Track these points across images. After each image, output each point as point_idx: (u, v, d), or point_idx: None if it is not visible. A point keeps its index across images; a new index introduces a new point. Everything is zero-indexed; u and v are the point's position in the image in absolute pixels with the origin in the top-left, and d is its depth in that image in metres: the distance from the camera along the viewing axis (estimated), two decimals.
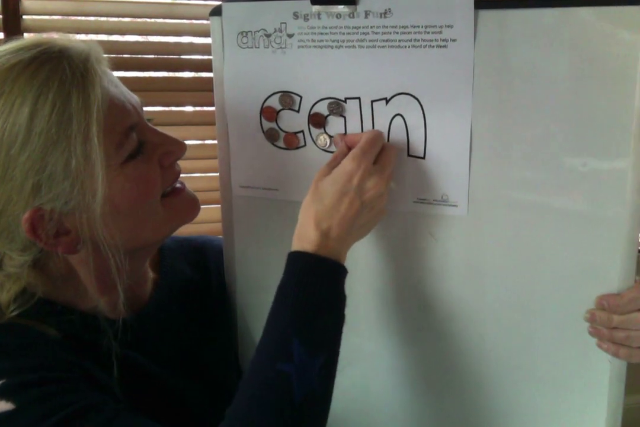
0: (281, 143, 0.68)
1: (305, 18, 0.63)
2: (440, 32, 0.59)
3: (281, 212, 0.70)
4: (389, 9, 0.60)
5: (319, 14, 0.62)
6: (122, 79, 0.61)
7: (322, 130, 0.66)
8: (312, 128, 0.66)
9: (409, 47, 0.60)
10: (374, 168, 0.59)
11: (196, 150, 1.24)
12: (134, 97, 0.60)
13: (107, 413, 0.52)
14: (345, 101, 0.64)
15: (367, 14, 0.60)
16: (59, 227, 0.55)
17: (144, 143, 0.59)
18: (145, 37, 1.28)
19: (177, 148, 0.61)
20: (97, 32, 1.24)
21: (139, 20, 1.26)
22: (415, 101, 0.61)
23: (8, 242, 0.56)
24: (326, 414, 0.54)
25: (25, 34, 1.17)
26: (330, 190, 0.58)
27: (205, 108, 1.28)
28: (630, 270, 0.59)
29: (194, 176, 1.25)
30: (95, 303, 0.60)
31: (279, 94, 0.66)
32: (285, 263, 0.58)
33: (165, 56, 1.26)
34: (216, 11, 0.67)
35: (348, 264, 0.60)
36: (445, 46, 0.59)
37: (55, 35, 0.57)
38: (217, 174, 0.73)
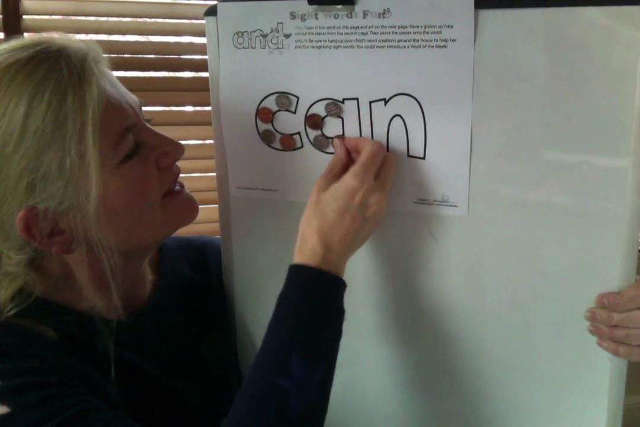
0: (277, 144, 0.68)
1: (303, 18, 0.62)
2: (440, 32, 0.58)
3: (280, 212, 0.69)
4: (388, 8, 0.59)
5: (316, 14, 0.62)
6: (122, 78, 0.61)
7: (319, 131, 0.65)
8: (308, 129, 0.66)
9: (408, 47, 0.60)
10: (375, 184, 0.60)
11: (196, 150, 1.24)
12: (132, 98, 0.60)
13: (106, 416, 0.52)
14: (343, 102, 0.63)
15: (365, 13, 0.60)
16: (54, 227, 0.55)
17: (141, 144, 0.58)
18: (145, 37, 1.28)
19: (175, 149, 0.61)
20: (97, 32, 1.24)
21: (139, 20, 1.26)
22: (415, 102, 0.61)
23: (4, 241, 0.56)
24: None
25: (25, 34, 1.17)
26: (332, 206, 0.58)
27: (205, 108, 1.28)
28: (631, 268, 0.59)
29: (194, 176, 1.25)
30: (93, 303, 0.59)
31: (276, 95, 0.66)
32: (286, 274, 0.58)
33: (166, 56, 1.26)
34: (211, 11, 0.66)
35: (348, 264, 0.60)
36: (445, 46, 0.58)
37: (55, 35, 0.57)
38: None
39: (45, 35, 0.57)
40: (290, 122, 0.66)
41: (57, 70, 0.53)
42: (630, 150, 0.55)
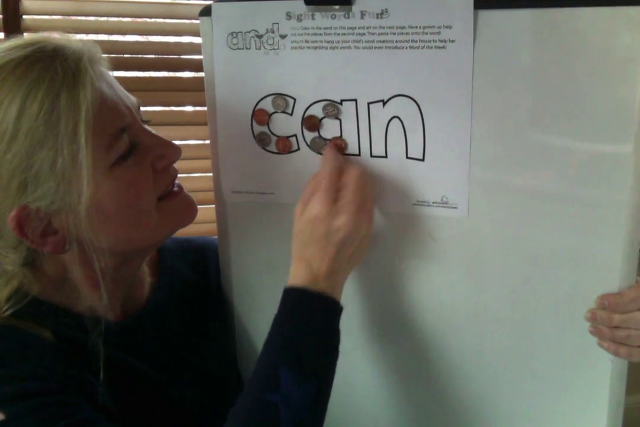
0: (272, 147, 0.67)
1: (299, 18, 0.62)
2: (439, 33, 0.58)
3: (277, 215, 0.69)
4: (386, 9, 0.59)
5: (312, 15, 0.61)
6: (122, 79, 0.60)
7: (316, 133, 0.65)
8: (305, 131, 0.65)
9: (406, 48, 0.59)
10: (338, 207, 0.59)
11: (196, 150, 1.23)
12: (130, 99, 0.59)
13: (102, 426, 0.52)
14: (341, 103, 0.63)
15: (362, 14, 0.60)
16: (47, 227, 0.55)
17: (137, 145, 0.58)
18: (145, 37, 1.27)
19: (171, 151, 0.61)
20: (97, 32, 1.24)
21: (139, 20, 1.25)
22: (414, 103, 0.61)
23: None
24: None
25: (25, 34, 1.17)
26: (305, 237, 0.59)
27: (205, 108, 1.27)
28: (631, 269, 0.59)
29: (194, 176, 1.25)
30: (91, 305, 0.59)
31: (272, 97, 0.65)
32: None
33: (166, 56, 1.25)
34: (205, 11, 0.66)
35: None
36: (443, 47, 0.58)
37: (56, 35, 0.57)
38: None
39: (44, 34, 0.57)
40: (286, 124, 0.66)
41: (52, 70, 0.52)
42: (631, 155, 0.55)
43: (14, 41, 0.55)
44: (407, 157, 0.63)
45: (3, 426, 0.49)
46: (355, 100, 0.62)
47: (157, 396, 0.62)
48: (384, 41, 0.60)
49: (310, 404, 0.53)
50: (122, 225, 0.58)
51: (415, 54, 0.59)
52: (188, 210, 0.64)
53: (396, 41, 0.59)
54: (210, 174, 0.74)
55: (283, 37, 0.63)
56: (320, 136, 0.65)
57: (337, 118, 0.64)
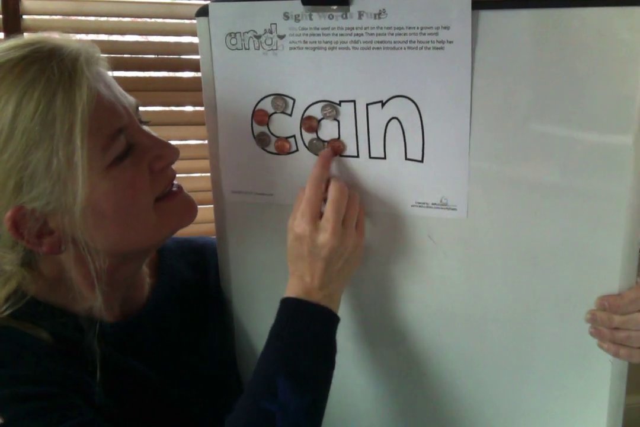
0: (272, 148, 0.67)
1: (296, 19, 0.61)
2: (437, 34, 0.58)
3: (276, 216, 0.69)
4: (384, 9, 0.59)
5: (310, 15, 0.61)
6: (122, 79, 0.60)
7: (314, 135, 0.65)
8: (304, 133, 0.65)
9: (404, 48, 0.59)
10: (321, 224, 0.60)
11: (196, 150, 1.23)
12: (128, 99, 0.59)
13: None
14: (339, 104, 0.63)
15: (360, 14, 0.59)
16: (43, 227, 0.55)
17: (134, 146, 0.58)
18: (145, 37, 1.27)
19: (169, 153, 0.60)
20: (97, 32, 1.24)
21: (139, 20, 1.25)
22: (412, 104, 0.61)
23: None
24: None
25: (25, 34, 1.17)
26: (293, 254, 0.61)
27: None
28: (631, 270, 0.59)
29: (194, 176, 1.25)
30: (88, 305, 0.59)
31: (272, 97, 0.65)
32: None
33: (165, 56, 1.25)
34: (203, 11, 0.65)
35: None
36: (442, 48, 0.58)
37: (55, 35, 0.57)
38: None
39: (43, 34, 0.57)
40: (285, 125, 0.66)
41: (48, 71, 0.52)
42: (632, 159, 0.55)
43: (13, 41, 0.55)
44: (406, 159, 0.63)
45: None
46: (354, 101, 0.62)
47: (156, 396, 0.62)
48: (382, 42, 0.59)
49: (308, 413, 0.53)
50: (119, 226, 0.57)
51: (414, 55, 0.59)
52: (187, 211, 0.63)
53: (394, 42, 0.59)
54: (210, 174, 0.74)
55: (281, 37, 0.63)
56: (318, 138, 0.65)
57: (335, 119, 0.64)
